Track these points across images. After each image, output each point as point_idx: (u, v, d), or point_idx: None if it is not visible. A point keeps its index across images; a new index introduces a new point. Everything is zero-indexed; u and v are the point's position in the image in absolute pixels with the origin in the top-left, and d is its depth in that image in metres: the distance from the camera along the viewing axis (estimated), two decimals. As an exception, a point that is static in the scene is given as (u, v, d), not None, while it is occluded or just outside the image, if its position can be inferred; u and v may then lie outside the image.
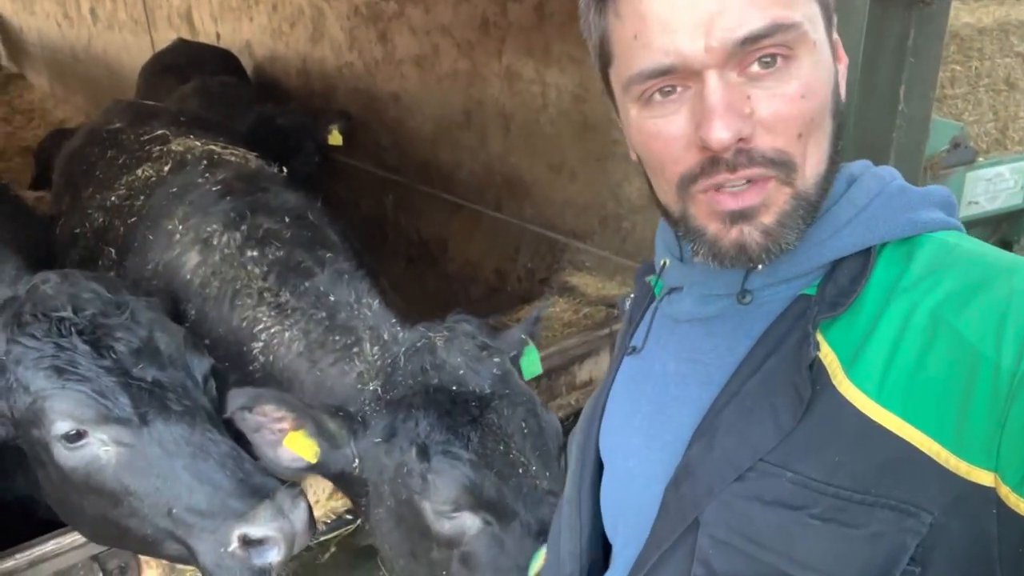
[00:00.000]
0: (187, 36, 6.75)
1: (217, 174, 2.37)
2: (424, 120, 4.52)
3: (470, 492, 1.51)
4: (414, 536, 1.62)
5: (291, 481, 1.63)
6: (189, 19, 7.22)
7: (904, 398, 0.74)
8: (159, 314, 1.78)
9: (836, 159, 0.83)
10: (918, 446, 0.73)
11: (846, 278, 0.82)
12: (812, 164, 0.80)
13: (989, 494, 0.71)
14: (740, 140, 0.76)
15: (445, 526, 1.55)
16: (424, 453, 1.54)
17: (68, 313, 1.59)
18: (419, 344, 1.69)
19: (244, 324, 1.96)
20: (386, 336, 1.83)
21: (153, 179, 2.49)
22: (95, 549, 1.75)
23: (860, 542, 0.75)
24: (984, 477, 0.71)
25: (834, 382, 0.78)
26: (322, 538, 2.10)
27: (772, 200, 0.80)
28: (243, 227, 2.10)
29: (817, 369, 0.79)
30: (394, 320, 1.91)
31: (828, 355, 0.79)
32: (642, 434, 0.97)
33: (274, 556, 1.52)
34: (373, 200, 5.10)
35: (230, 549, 1.50)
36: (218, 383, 1.87)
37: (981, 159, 4.38)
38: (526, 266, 3.95)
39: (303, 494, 1.59)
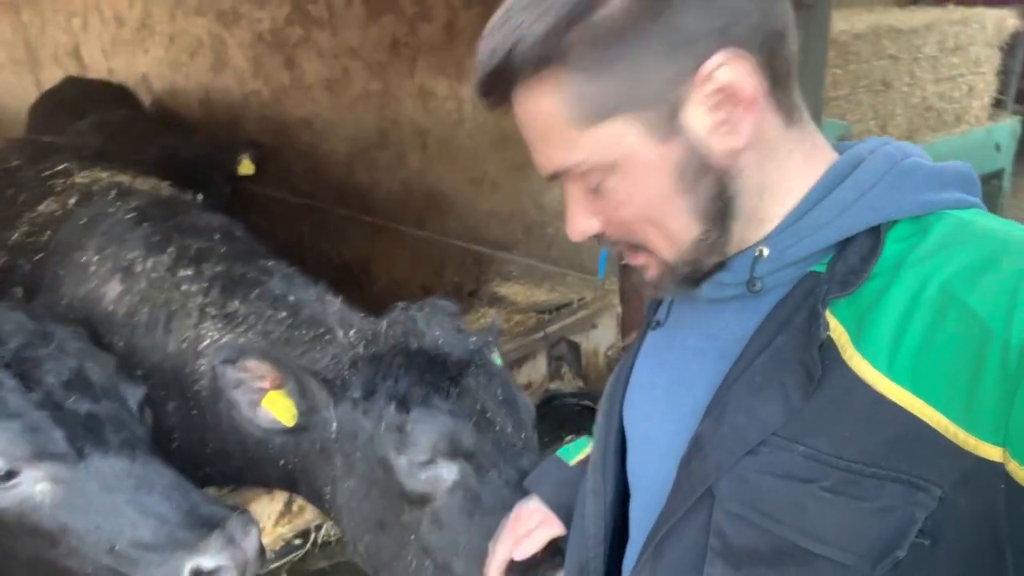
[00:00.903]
0: (76, 74, 6.46)
1: (130, 202, 2.29)
2: (338, 142, 4.48)
3: (449, 439, 1.51)
4: (385, 501, 1.59)
5: (240, 508, 1.58)
6: (77, 55, 6.91)
7: (914, 372, 0.75)
8: (87, 344, 1.69)
9: (715, 212, 0.86)
10: (927, 420, 0.74)
11: (856, 256, 0.82)
12: (675, 239, 0.87)
13: (997, 469, 0.72)
14: (595, 235, 0.90)
15: (420, 478, 1.53)
16: (403, 405, 1.53)
17: None
18: (399, 317, 1.70)
19: (184, 345, 1.89)
20: (358, 323, 1.80)
21: (58, 212, 2.37)
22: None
23: (870, 515, 0.76)
24: (993, 452, 0.72)
25: (844, 356, 0.79)
26: (272, 565, 2.03)
27: (652, 264, 0.92)
28: (170, 249, 2.03)
29: (827, 346, 0.80)
30: (362, 314, 1.88)
31: (836, 329, 0.80)
32: (661, 406, 0.99)
33: None
34: (290, 228, 5.00)
35: None
36: (153, 409, 1.79)
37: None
38: (453, 280, 3.96)
39: (253, 521, 1.55)
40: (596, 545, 1.10)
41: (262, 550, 1.56)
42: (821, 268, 0.85)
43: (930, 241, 0.79)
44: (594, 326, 2.98)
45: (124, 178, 2.62)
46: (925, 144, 5.33)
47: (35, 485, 1.46)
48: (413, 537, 1.59)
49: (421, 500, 1.56)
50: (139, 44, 6.09)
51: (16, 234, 2.40)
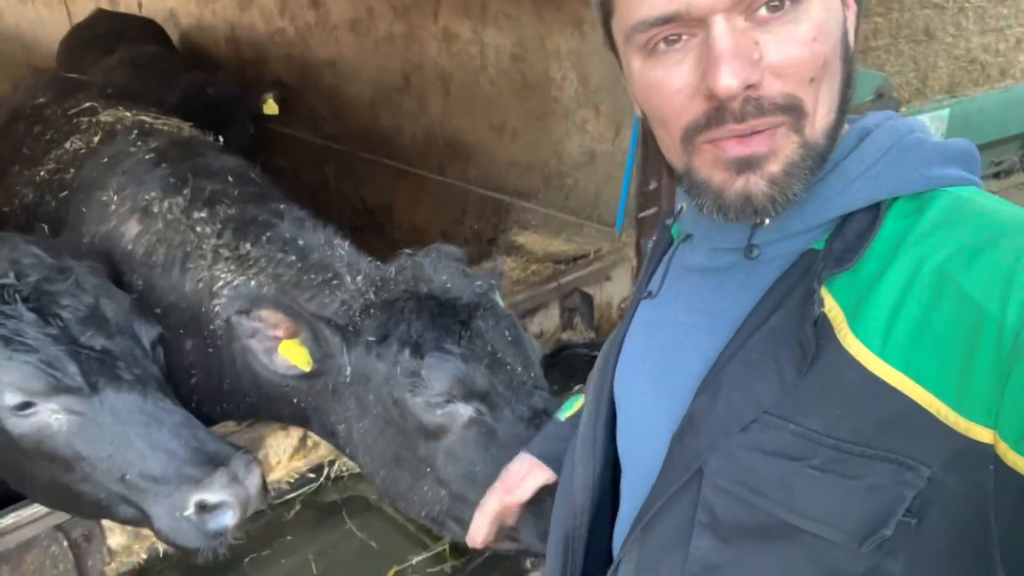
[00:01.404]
0: (106, 7, 6.45)
1: (150, 142, 2.32)
2: (362, 86, 4.45)
3: (462, 382, 1.56)
4: (400, 438, 1.65)
5: (244, 448, 1.66)
6: (108, -12, 6.89)
7: (907, 354, 0.75)
8: (104, 280, 1.74)
9: (844, 108, 0.83)
10: (919, 402, 0.74)
11: (854, 233, 0.81)
12: (823, 112, 0.79)
13: (987, 451, 0.72)
14: (749, 87, 0.75)
15: (436, 414, 1.59)
16: (417, 350, 1.58)
17: (11, 280, 1.56)
18: (406, 264, 1.74)
19: (200, 285, 1.95)
20: (366, 268, 1.84)
21: (83, 151, 2.42)
22: (57, 519, 1.74)
23: (858, 493, 0.76)
24: (983, 434, 0.72)
25: (838, 336, 0.78)
26: (286, 497, 2.12)
27: (780, 148, 0.78)
28: (185, 191, 2.07)
29: (822, 324, 0.79)
30: (370, 259, 1.92)
31: (833, 309, 0.80)
32: (651, 380, 0.99)
33: (229, 520, 1.55)
34: (313, 170, 5.02)
35: (186, 514, 1.53)
36: (166, 350, 1.86)
37: (903, 109, 4.55)
38: (472, 228, 3.97)
39: (256, 460, 1.62)
40: (582, 514, 1.11)
41: (264, 488, 1.64)
42: (820, 245, 0.84)
43: (927, 220, 0.79)
44: (608, 278, 2.98)
45: (147, 117, 2.66)
46: (967, 98, 5.14)
47: (51, 415, 1.53)
48: (429, 469, 1.65)
49: (437, 433, 1.61)
50: (168, -22, 6.05)
51: (43, 171, 2.46)
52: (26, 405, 1.51)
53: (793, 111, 0.77)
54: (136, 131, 2.42)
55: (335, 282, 1.83)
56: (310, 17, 4.66)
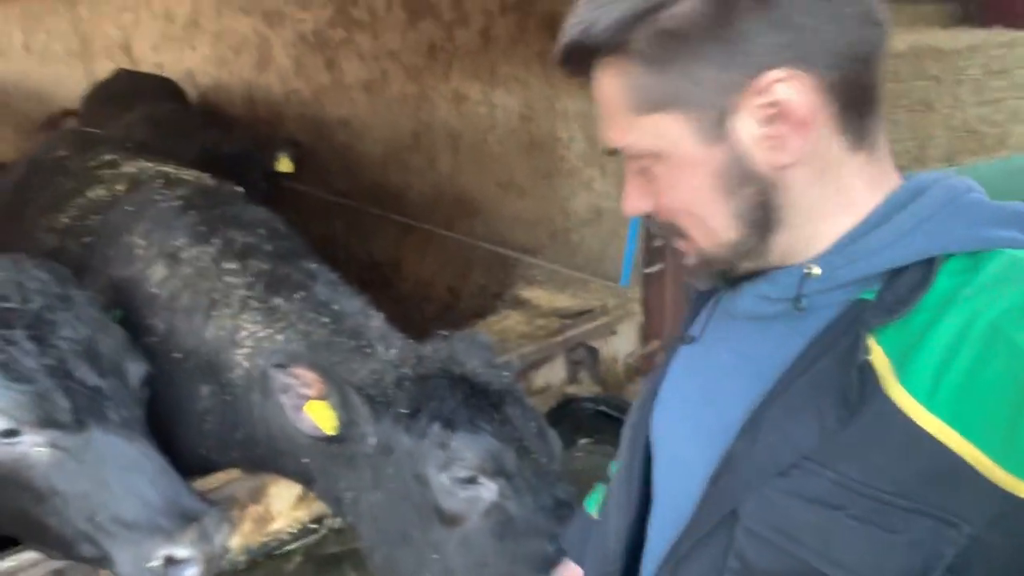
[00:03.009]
0: (126, 67, 6.68)
1: (176, 190, 2.39)
2: (373, 143, 4.59)
3: (494, 457, 1.57)
4: (414, 517, 1.64)
5: (218, 504, 1.66)
6: (128, 50, 7.14)
7: (954, 407, 0.74)
8: (100, 313, 1.75)
9: (764, 222, 0.87)
10: (964, 456, 0.73)
11: (906, 287, 0.81)
12: (705, 236, 0.90)
13: None
14: (647, 214, 0.92)
15: (458, 497, 1.58)
16: (449, 424, 1.60)
17: (15, 304, 1.57)
18: (440, 346, 1.79)
19: (222, 333, 1.97)
20: (399, 343, 1.88)
21: (107, 198, 2.48)
22: (56, 564, 1.73)
23: (897, 547, 0.76)
24: None
25: (884, 386, 0.78)
26: (287, 548, 2.11)
27: (689, 252, 0.94)
28: (215, 240, 2.11)
29: (867, 373, 0.79)
30: (403, 335, 1.96)
31: (880, 358, 0.79)
32: (691, 423, 0.99)
33: (192, 575, 1.55)
34: (323, 225, 5.12)
35: (151, 564, 1.53)
36: (180, 393, 1.87)
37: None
38: (479, 283, 4.03)
39: (229, 519, 1.64)
40: (616, 560, 1.11)
41: (230, 547, 1.66)
42: (870, 295, 0.84)
43: (983, 277, 0.78)
44: (614, 333, 3.01)
45: (169, 168, 2.74)
46: (964, 167, 5.27)
47: (33, 447, 1.53)
48: (437, 556, 1.63)
49: (454, 520, 1.60)
50: (187, 40, 6.27)
51: (64, 218, 2.52)
52: (11, 433, 1.51)
53: (677, 232, 0.92)
54: (161, 180, 2.49)
55: (368, 350, 1.85)
56: (325, 79, 4.83)
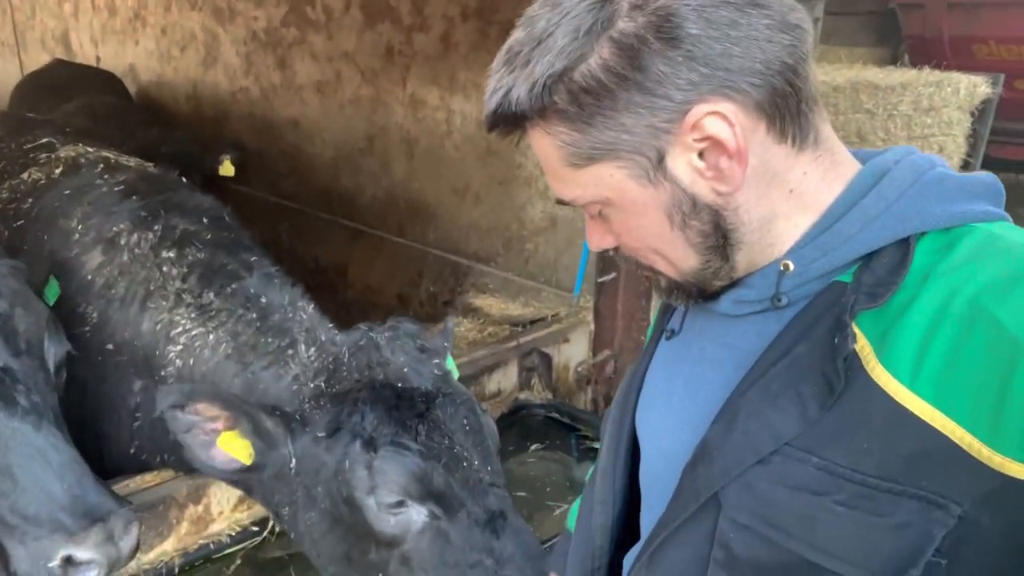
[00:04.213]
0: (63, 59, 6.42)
1: (117, 176, 2.28)
2: (324, 146, 4.50)
3: (419, 481, 1.49)
4: (351, 538, 1.57)
5: (126, 503, 1.57)
6: (66, 42, 6.87)
7: (938, 386, 0.73)
8: (24, 286, 1.65)
9: (722, 245, 0.88)
10: (950, 436, 0.72)
11: (884, 268, 0.80)
12: (669, 267, 0.92)
13: (1022, 487, 0.70)
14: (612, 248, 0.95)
15: (390, 523, 1.51)
16: (371, 444, 1.52)
17: None
18: (362, 342, 1.66)
19: (158, 327, 1.87)
20: (323, 338, 1.78)
21: (42, 182, 2.35)
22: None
23: (885, 531, 0.75)
24: (1018, 470, 0.70)
25: (867, 368, 0.77)
26: (227, 551, 2.01)
27: (660, 278, 0.96)
28: (156, 227, 2.01)
29: (850, 357, 0.78)
30: (330, 325, 1.86)
31: (860, 341, 0.79)
32: (675, 416, 0.98)
33: None
34: (267, 227, 4.98)
35: (50, 564, 1.43)
36: (71, 371, 1.77)
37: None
38: (428, 290, 3.97)
39: (136, 519, 1.54)
40: (602, 556, 1.09)
41: (136, 548, 1.56)
42: (846, 278, 0.83)
43: (958, 253, 0.78)
44: (566, 340, 3.01)
45: (109, 154, 2.62)
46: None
47: None
48: (380, 575, 1.57)
49: (390, 543, 1.54)
50: (130, 34, 6.07)
51: (-5, 201, 2.38)
52: None
53: (645, 267, 0.95)
54: (101, 165, 2.38)
55: (290, 351, 1.77)
56: (276, 78, 4.73)
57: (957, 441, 0.72)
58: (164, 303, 1.91)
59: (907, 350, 0.75)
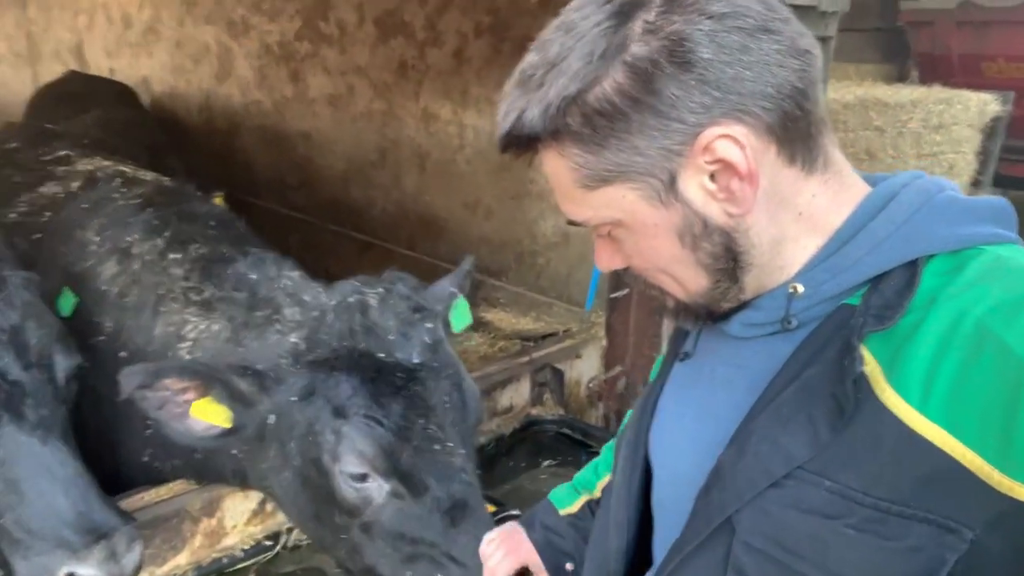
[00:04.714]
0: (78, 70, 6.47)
1: (134, 189, 2.30)
2: (335, 159, 4.52)
3: (387, 456, 1.48)
4: (319, 500, 1.58)
5: (131, 520, 1.56)
6: (79, 54, 6.93)
7: (947, 409, 0.73)
8: (36, 298, 1.65)
9: (732, 266, 0.88)
10: (960, 460, 0.72)
11: (892, 290, 0.81)
12: (678, 288, 0.92)
13: None
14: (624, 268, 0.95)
15: (352, 493, 1.52)
16: (342, 412, 1.51)
17: None
18: (351, 300, 1.62)
19: (171, 329, 1.88)
20: (306, 297, 1.75)
21: (61, 195, 2.37)
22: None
23: (897, 555, 0.75)
24: None
25: (876, 390, 0.77)
26: (240, 565, 2.00)
27: (668, 298, 0.96)
28: (166, 233, 2.04)
29: (859, 379, 0.79)
30: (318, 286, 1.82)
31: (870, 363, 0.79)
32: (688, 438, 0.99)
33: None
34: (277, 240, 4.98)
35: None
36: (86, 381, 1.77)
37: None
38: (439, 303, 3.97)
39: (139, 537, 1.54)
40: None
41: (140, 566, 1.55)
42: (854, 301, 0.84)
43: (966, 276, 0.78)
44: (578, 356, 3.00)
45: (126, 168, 2.64)
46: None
47: None
48: (344, 536, 1.60)
49: (351, 512, 1.55)
50: (144, 47, 6.12)
51: (13, 213, 2.39)
52: None
53: (654, 287, 0.96)
54: (119, 179, 2.40)
55: (275, 316, 1.75)
56: (288, 91, 4.75)
57: (967, 464, 0.72)
58: (175, 305, 1.93)
59: (916, 373, 0.76)
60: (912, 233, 0.83)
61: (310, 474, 1.57)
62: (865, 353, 0.79)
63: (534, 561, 1.34)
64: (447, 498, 1.52)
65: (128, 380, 1.49)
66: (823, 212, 0.87)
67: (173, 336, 1.90)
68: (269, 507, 2.12)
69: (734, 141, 0.80)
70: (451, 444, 1.56)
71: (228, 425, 1.58)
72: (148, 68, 6.07)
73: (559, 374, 2.89)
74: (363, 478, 1.52)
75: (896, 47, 8.41)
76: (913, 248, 0.82)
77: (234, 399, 1.57)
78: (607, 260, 0.95)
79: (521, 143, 0.88)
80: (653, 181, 0.83)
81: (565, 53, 0.82)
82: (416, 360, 1.58)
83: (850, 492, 0.77)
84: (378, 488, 1.52)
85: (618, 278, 3.09)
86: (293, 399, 1.56)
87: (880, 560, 0.76)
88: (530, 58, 0.86)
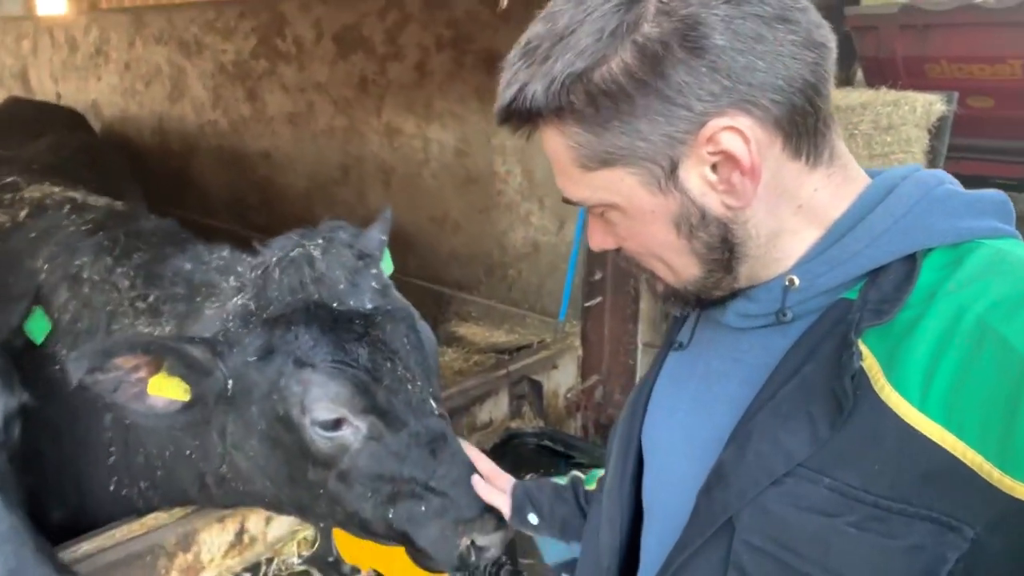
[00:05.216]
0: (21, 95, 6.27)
1: (85, 215, 2.21)
2: (297, 177, 4.44)
3: (362, 393, 1.45)
4: (290, 460, 1.54)
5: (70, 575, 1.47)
6: (24, 79, 6.73)
7: (947, 406, 0.72)
8: None
9: (727, 257, 0.87)
10: (961, 457, 0.71)
11: (890, 284, 0.80)
12: (669, 274, 0.91)
13: None
14: (616, 249, 0.94)
15: (327, 444, 1.48)
16: (306, 363, 1.46)
17: None
18: (294, 255, 1.56)
19: None
20: (240, 268, 1.70)
21: (7, 225, 2.27)
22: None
23: (898, 553, 0.74)
24: None
25: (875, 387, 0.76)
26: (218, 602, 1.91)
27: (658, 282, 0.95)
28: (115, 252, 1.96)
29: (858, 375, 0.77)
30: (250, 259, 1.74)
31: (868, 359, 0.78)
32: (683, 431, 0.97)
33: None
34: (239, 262, 4.89)
35: None
36: (43, 415, 1.68)
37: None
38: (409, 320, 3.92)
39: None
40: None
41: None
42: (852, 295, 0.82)
43: (966, 270, 0.77)
44: (555, 366, 2.97)
45: (76, 194, 2.54)
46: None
47: None
48: (322, 491, 1.56)
49: (326, 463, 1.51)
50: (91, 70, 5.97)
51: (-45, 245, 2.28)
52: None
53: (645, 271, 0.94)
54: (68, 206, 2.30)
55: (215, 291, 1.70)
56: (245, 110, 4.67)
57: (968, 463, 0.71)
58: (126, 320, 1.85)
59: (916, 370, 0.74)
60: (911, 226, 0.81)
61: (278, 435, 1.53)
62: (863, 348, 0.78)
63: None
64: (425, 431, 1.50)
65: (76, 365, 1.41)
66: (824, 205, 0.85)
67: None
68: (246, 538, 2.03)
69: (739, 134, 0.78)
70: (420, 383, 1.55)
71: (187, 398, 1.51)
72: (97, 91, 5.92)
73: (537, 386, 2.85)
74: (336, 425, 1.48)
75: (843, 52, 8.61)
76: (912, 241, 0.81)
77: (189, 368, 1.50)
78: (599, 240, 0.93)
79: (521, 117, 0.85)
80: (653, 167, 0.82)
81: (574, 27, 0.79)
82: (370, 305, 1.56)
83: (850, 490, 0.76)
84: (354, 432, 1.49)
85: (592, 287, 3.07)
86: (251, 359, 1.51)
87: (881, 558, 0.74)
88: (536, 28, 0.82)
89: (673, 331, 1.08)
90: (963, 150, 7.36)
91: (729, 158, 0.79)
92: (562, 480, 1.41)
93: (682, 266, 0.89)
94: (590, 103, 0.80)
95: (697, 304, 0.94)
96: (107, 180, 4.09)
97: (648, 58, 0.77)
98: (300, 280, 1.53)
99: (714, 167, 0.81)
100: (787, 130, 0.80)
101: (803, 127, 0.81)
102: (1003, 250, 0.79)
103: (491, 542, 1.50)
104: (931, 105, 6.95)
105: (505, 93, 0.84)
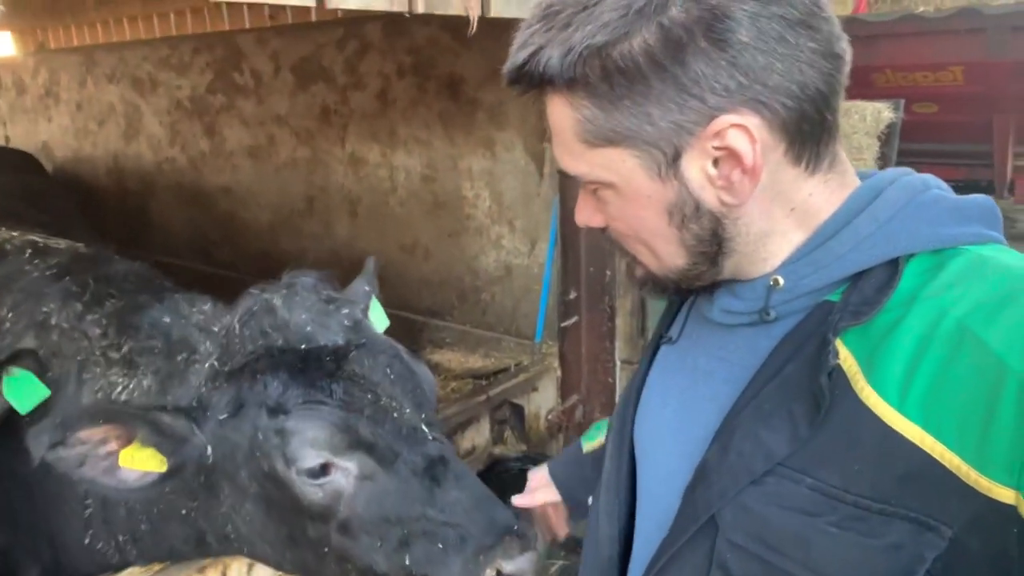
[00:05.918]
0: (-32, 140, 6.11)
1: (49, 259, 2.13)
2: (260, 210, 4.37)
3: (343, 431, 1.36)
4: (287, 519, 1.44)
5: None
6: (-31, 123, 6.54)
7: (926, 408, 0.73)
8: None
9: (714, 251, 0.87)
10: (939, 459, 0.72)
11: (871, 288, 0.81)
12: (653, 261, 0.90)
13: (1009, 512, 0.69)
14: (599, 228, 0.93)
15: (318, 494, 1.38)
16: (279, 410, 1.38)
17: None
18: (254, 308, 1.50)
19: (99, 395, 1.72)
20: (216, 327, 1.62)
21: (-37, 273, 2.18)
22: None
23: (877, 552, 0.74)
24: (1005, 494, 0.70)
25: (855, 388, 0.77)
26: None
27: (639, 266, 0.94)
28: (85, 297, 1.88)
29: (837, 375, 0.78)
30: (224, 313, 1.69)
31: (848, 360, 0.79)
32: (670, 428, 0.98)
33: None
34: (204, 300, 4.79)
35: None
36: (57, 479, 1.58)
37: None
38: (383, 350, 3.86)
39: None
40: (611, 568, 1.08)
41: None
42: (835, 297, 0.83)
43: (946, 275, 0.78)
44: (535, 389, 2.95)
45: (36, 237, 2.45)
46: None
47: None
48: (327, 549, 1.45)
49: (323, 516, 1.41)
50: (41, 112, 5.84)
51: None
52: None
53: (624, 250, 0.94)
54: (30, 250, 2.21)
55: (193, 357, 1.62)
56: (204, 145, 4.59)
57: (946, 464, 0.72)
58: (98, 369, 1.75)
59: (895, 371, 0.75)
60: (894, 231, 0.82)
61: (269, 494, 1.44)
62: (841, 348, 0.79)
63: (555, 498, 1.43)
64: (422, 459, 1.39)
65: (36, 442, 1.31)
66: (815, 209, 0.86)
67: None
68: (228, 587, 1.96)
69: (747, 133, 0.78)
70: (408, 410, 1.45)
71: (163, 469, 1.42)
72: (47, 133, 5.79)
73: (519, 410, 2.83)
74: (323, 470, 1.38)
75: (792, 65, 8.87)
76: (895, 246, 0.81)
77: (164, 437, 1.41)
78: (587, 216, 0.93)
79: (531, 82, 0.83)
80: (656, 153, 0.81)
81: None
82: (341, 341, 1.47)
83: (832, 490, 0.77)
84: (344, 474, 1.39)
85: (567, 307, 3.06)
86: (223, 417, 1.43)
87: (861, 557, 0.75)
88: None
89: (663, 325, 1.09)
90: (910, 155, 7.58)
91: (732, 155, 0.79)
92: (595, 436, 1.41)
93: (668, 254, 0.89)
94: (605, 79, 0.79)
95: (676, 292, 0.94)
96: (60, 222, 3.99)
97: (671, 42, 0.76)
98: (260, 329, 1.47)
99: (716, 162, 0.80)
100: (792, 136, 0.80)
101: (809, 135, 0.81)
102: (984, 256, 0.80)
103: (518, 567, 1.38)
104: (880, 113, 7.17)
105: (518, 54, 0.82)
